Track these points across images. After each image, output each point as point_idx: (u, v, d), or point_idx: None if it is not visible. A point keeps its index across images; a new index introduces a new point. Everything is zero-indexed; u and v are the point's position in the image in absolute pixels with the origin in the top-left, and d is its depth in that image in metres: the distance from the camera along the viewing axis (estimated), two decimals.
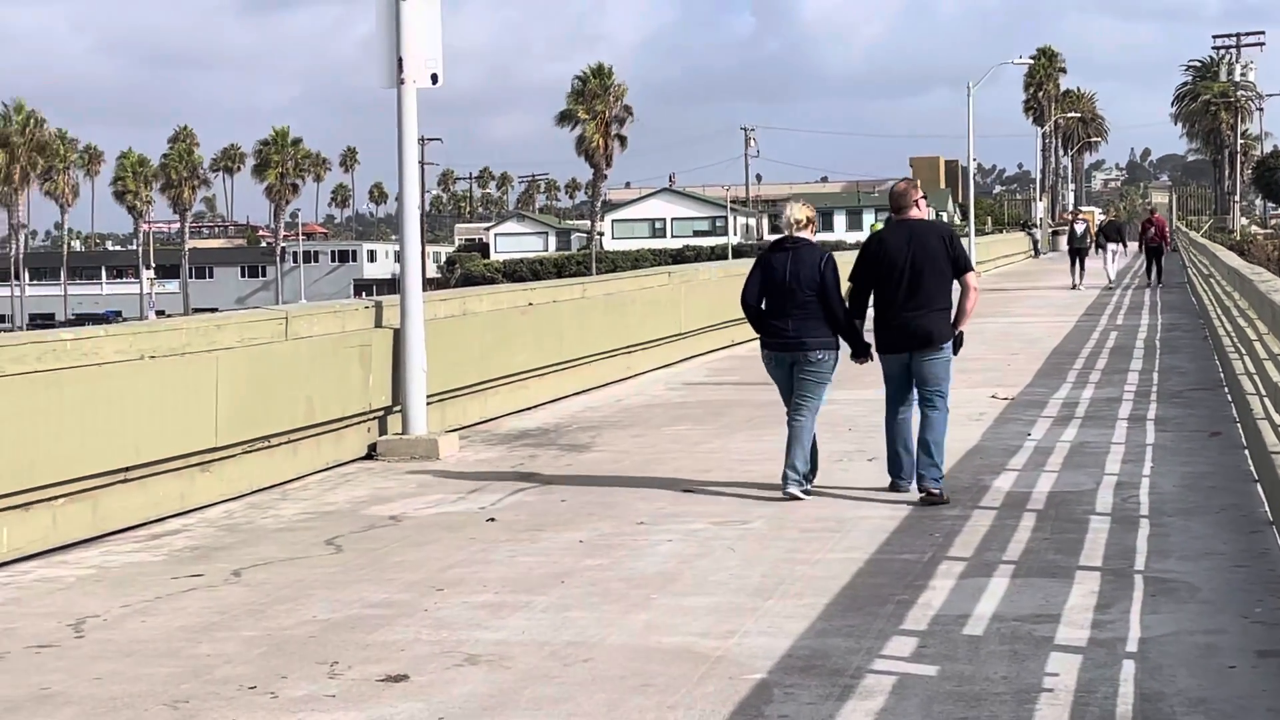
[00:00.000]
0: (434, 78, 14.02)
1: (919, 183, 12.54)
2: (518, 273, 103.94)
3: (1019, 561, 9.21)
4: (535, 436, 15.33)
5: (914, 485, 11.32)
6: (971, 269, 11.61)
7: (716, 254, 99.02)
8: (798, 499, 11.26)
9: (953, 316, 11.45)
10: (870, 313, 11.67)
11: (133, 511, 10.86)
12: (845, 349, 11.57)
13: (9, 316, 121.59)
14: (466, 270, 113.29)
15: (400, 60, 13.90)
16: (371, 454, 13.94)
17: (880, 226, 13.62)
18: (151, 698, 6.78)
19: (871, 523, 10.42)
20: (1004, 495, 11.40)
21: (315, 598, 8.65)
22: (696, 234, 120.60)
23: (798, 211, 11.58)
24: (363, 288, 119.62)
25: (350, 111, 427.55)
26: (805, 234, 11.53)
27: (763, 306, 11.55)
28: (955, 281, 11.48)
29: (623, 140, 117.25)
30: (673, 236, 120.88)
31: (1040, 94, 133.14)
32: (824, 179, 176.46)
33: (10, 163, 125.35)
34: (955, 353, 11.51)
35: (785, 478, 11.37)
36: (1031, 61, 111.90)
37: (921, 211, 11.60)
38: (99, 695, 6.84)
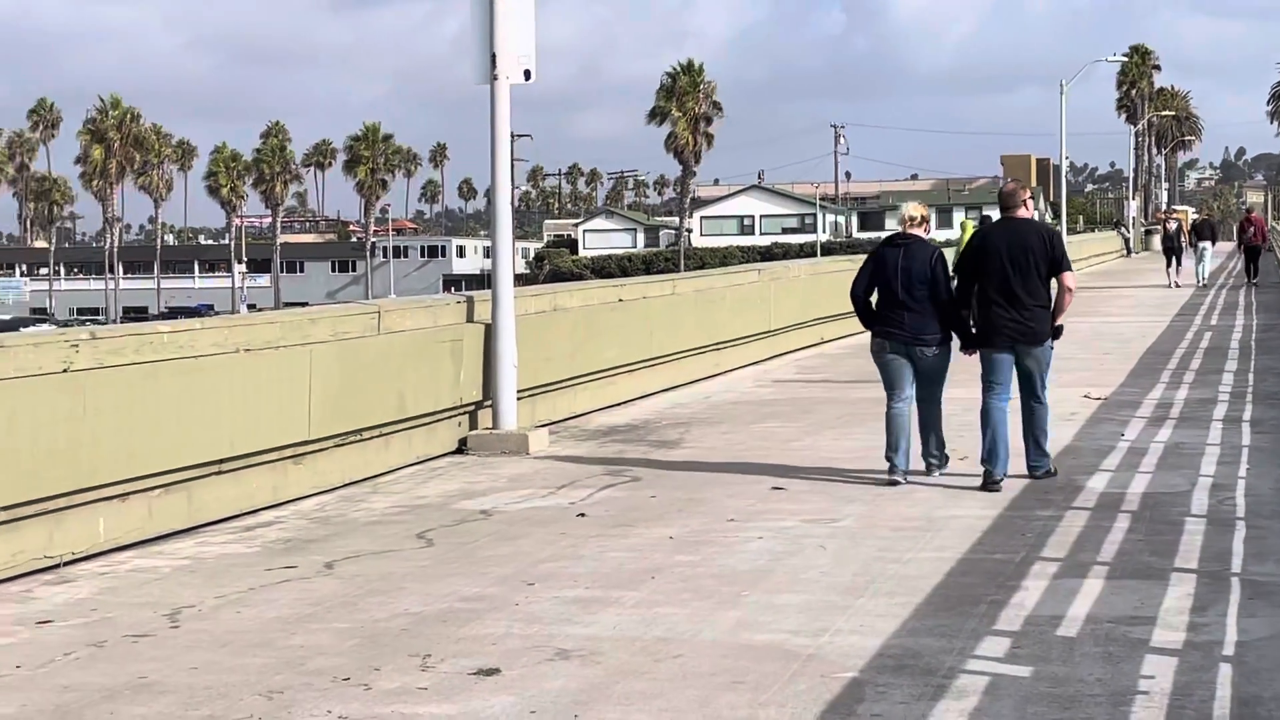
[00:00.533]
0: (527, 74, 14.05)
1: (1027, 184, 12.86)
2: (606, 269, 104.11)
3: (1113, 563, 9.12)
4: (624, 432, 15.34)
5: (1004, 477, 11.64)
6: (1070, 269, 11.95)
7: (805, 251, 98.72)
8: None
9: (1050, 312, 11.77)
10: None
11: (227, 503, 10.97)
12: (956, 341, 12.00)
13: (104, 309, 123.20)
14: (555, 266, 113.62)
15: (494, 56, 13.95)
16: (462, 448, 14.01)
17: (972, 224, 13.92)
18: (246, 688, 6.84)
19: (962, 522, 10.35)
20: (1098, 496, 11.30)
21: (407, 590, 8.70)
22: (785, 231, 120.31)
23: (912, 209, 12.20)
24: (451, 283, 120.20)
25: (440, 107, 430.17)
26: (918, 231, 12.08)
27: (871, 300, 12.10)
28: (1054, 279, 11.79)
29: (710, 138, 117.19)
30: (761, 234, 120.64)
31: (1133, 92, 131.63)
32: (914, 176, 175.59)
33: (107, 157, 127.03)
34: (1054, 340, 11.85)
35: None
36: (1124, 59, 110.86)
37: (1029, 211, 12.05)
38: (194, 685, 6.91)
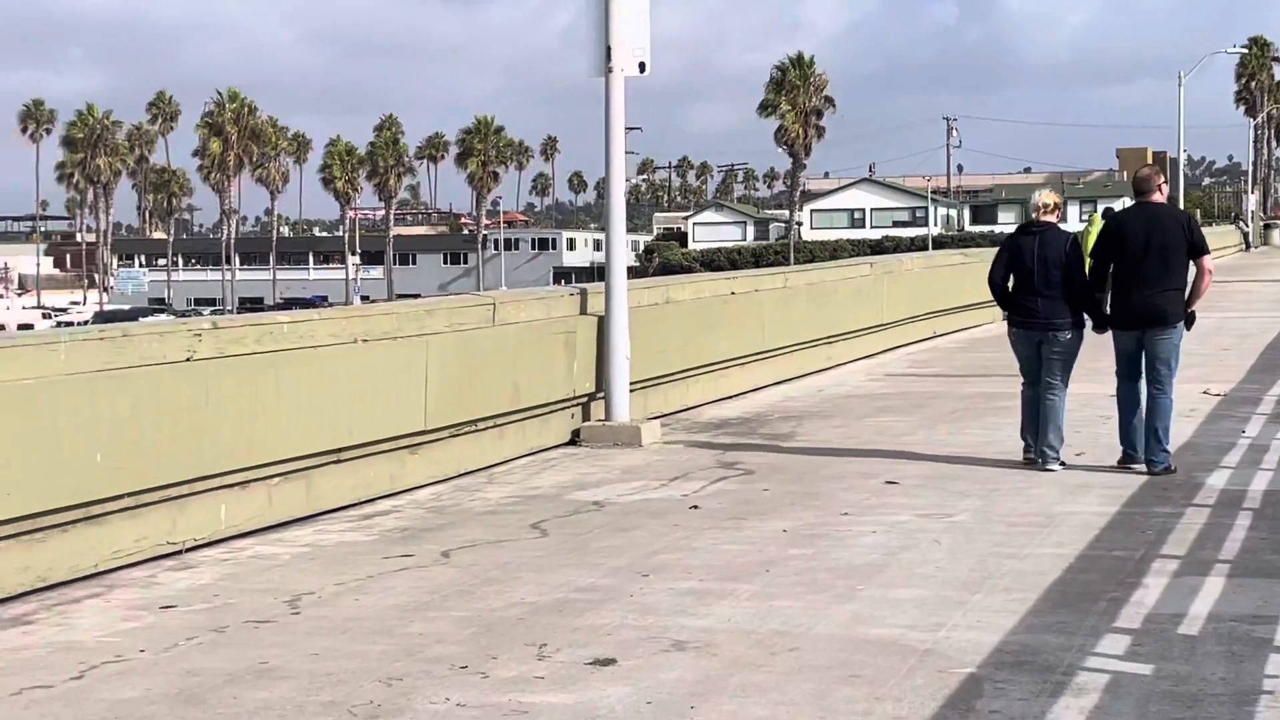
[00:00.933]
0: (641, 66, 14.07)
1: (1161, 169, 12.97)
2: (715, 262, 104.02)
3: (1235, 561, 8.99)
4: (736, 425, 15.33)
5: (1142, 459, 11.90)
6: (1207, 252, 12.12)
7: (916, 245, 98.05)
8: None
9: (1186, 296, 11.94)
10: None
11: (344, 492, 11.08)
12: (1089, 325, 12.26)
13: (220, 300, 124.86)
14: (664, 259, 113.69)
15: (608, 49, 13.98)
16: (575, 440, 14.06)
17: (1099, 218, 14.14)
18: (366, 675, 6.92)
19: (1080, 518, 10.25)
20: (1218, 493, 11.15)
21: (523, 580, 8.76)
22: (896, 224, 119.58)
23: (1045, 197, 12.50)
24: (561, 275, 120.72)
25: (550, 101, 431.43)
26: (1051, 218, 12.35)
27: (1009, 287, 12.40)
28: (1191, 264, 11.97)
29: (821, 130, 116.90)
30: (872, 227, 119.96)
31: (1252, 84, 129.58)
32: (1027, 170, 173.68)
33: (224, 150, 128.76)
34: (1188, 328, 12.00)
35: (1044, 455, 12.18)
36: (1243, 51, 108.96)
37: (1162, 196, 12.24)
38: (315, 671, 6.99)
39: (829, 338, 20.58)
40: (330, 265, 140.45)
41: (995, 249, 13.46)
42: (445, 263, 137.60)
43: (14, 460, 8.23)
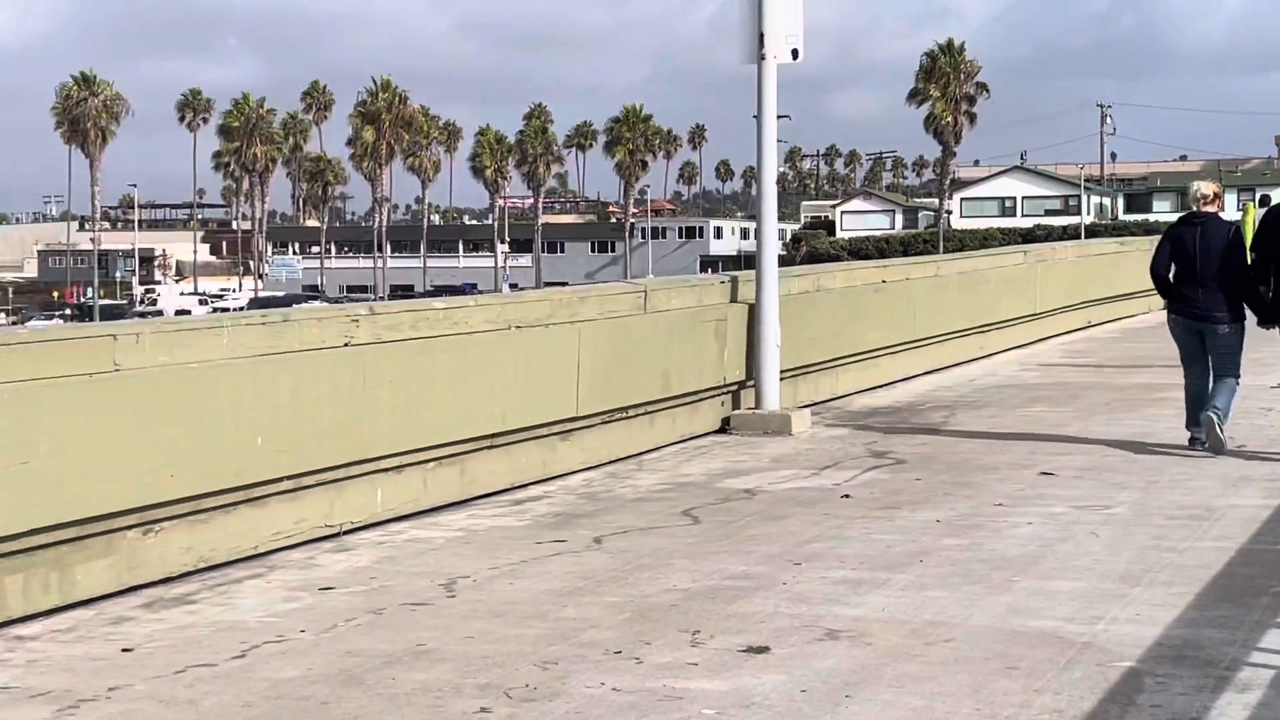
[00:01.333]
0: (794, 53, 14.01)
1: None
2: (863, 251, 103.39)
3: None
4: (887, 415, 15.24)
5: None
6: None
7: (1068, 234, 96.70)
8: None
9: None
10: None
11: (497, 477, 11.18)
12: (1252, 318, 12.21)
13: (371, 287, 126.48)
14: (812, 247, 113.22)
15: (761, 36, 13.93)
16: (724, 428, 14.06)
17: (1254, 207, 14.04)
18: (521, 658, 6.97)
19: (1243, 511, 10.06)
20: None
21: (675, 567, 8.77)
22: (1047, 213, 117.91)
23: (1205, 188, 12.46)
24: (708, 264, 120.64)
25: (697, 90, 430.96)
26: (1211, 209, 12.29)
27: (1170, 276, 12.40)
28: None
29: (972, 118, 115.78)
30: (1023, 215, 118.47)
31: None
32: (1182, 157, 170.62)
33: (377, 139, 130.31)
34: None
35: (1192, 440, 12.37)
36: None
37: None
38: (471, 653, 7.06)
39: (981, 327, 20.38)
40: (479, 253, 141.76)
41: (1150, 238, 13.38)
42: (592, 251, 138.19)
43: (179, 442, 8.40)
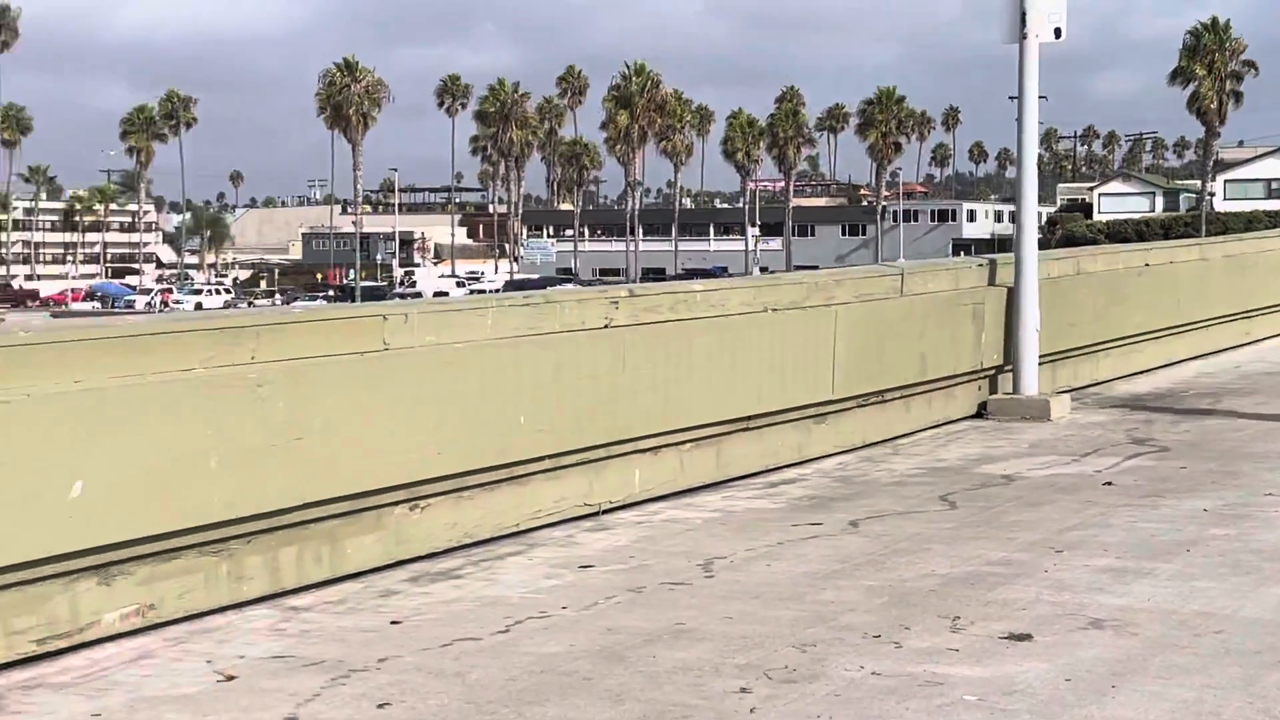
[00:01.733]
0: (1057, 32, 13.76)
1: None
2: (1121, 234, 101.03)
3: None
4: (1149, 401, 14.90)
5: None
6: None
7: None
8: None
9: None
10: None
11: (752, 459, 11.21)
12: None
13: (623, 270, 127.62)
14: (1068, 231, 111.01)
15: (1023, 14, 13.71)
16: (981, 412, 13.89)
17: None
18: (779, 639, 6.99)
19: None
20: None
21: (933, 552, 8.71)
22: None
23: None
24: (961, 247, 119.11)
25: (950, 71, 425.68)
26: None
27: None
28: None
29: (1238, 97, 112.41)
30: None
31: None
32: None
33: (631, 123, 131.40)
34: None
35: None
36: None
37: None
38: (730, 634, 7.10)
39: (1246, 312, 19.82)
40: (730, 236, 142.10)
41: None
42: (843, 234, 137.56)
43: (445, 420, 8.60)
